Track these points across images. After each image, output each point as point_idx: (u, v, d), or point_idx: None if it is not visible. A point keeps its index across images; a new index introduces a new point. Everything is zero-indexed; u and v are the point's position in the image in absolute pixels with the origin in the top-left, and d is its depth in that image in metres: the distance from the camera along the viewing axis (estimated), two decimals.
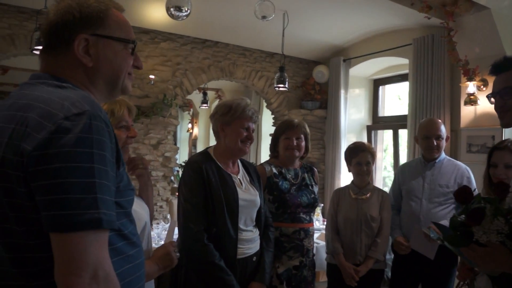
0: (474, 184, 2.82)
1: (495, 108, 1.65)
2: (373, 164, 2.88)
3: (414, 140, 3.79)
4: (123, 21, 1.10)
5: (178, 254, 1.65)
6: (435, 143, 2.87)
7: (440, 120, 3.04)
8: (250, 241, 2.12)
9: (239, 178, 2.18)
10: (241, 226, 2.08)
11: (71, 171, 0.84)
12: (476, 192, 2.38)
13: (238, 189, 2.11)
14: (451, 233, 1.61)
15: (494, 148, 2.30)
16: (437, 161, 2.92)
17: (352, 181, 2.96)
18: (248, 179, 2.25)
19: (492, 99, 1.67)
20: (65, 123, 0.87)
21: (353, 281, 2.69)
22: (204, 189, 2.02)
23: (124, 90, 1.12)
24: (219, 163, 2.14)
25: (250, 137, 2.18)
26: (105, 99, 1.13)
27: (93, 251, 0.85)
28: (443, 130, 2.93)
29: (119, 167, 0.98)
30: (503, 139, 3.01)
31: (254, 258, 2.14)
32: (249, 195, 2.15)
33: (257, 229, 2.21)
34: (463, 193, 1.61)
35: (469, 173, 2.91)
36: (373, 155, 2.87)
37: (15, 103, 0.95)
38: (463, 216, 1.55)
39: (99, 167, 0.88)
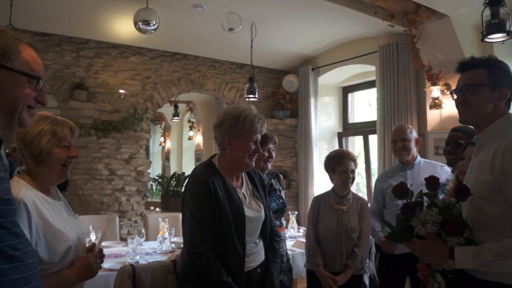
0: (443, 178, 2.89)
1: (456, 104, 1.74)
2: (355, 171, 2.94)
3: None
4: (31, 57, 1.14)
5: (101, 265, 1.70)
6: (400, 145, 3.04)
7: (407, 125, 3.17)
8: (254, 254, 2.05)
9: (243, 193, 2.08)
10: (247, 240, 2.00)
11: None
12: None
13: (243, 205, 2.02)
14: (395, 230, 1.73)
15: (469, 143, 2.33)
16: (415, 163, 3.08)
17: (333, 189, 2.94)
18: (251, 190, 2.15)
19: (455, 96, 1.75)
20: None
21: None
22: (211, 204, 1.91)
23: (21, 122, 1.13)
24: (224, 176, 2.03)
25: (258, 150, 2.04)
26: (3, 129, 1.13)
27: None
28: (409, 133, 3.06)
29: None
30: None
31: (259, 270, 2.07)
32: (252, 212, 2.04)
33: (261, 241, 2.13)
34: (399, 189, 1.69)
35: (442, 167, 3.03)
36: (355, 162, 2.89)
37: None
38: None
39: None
